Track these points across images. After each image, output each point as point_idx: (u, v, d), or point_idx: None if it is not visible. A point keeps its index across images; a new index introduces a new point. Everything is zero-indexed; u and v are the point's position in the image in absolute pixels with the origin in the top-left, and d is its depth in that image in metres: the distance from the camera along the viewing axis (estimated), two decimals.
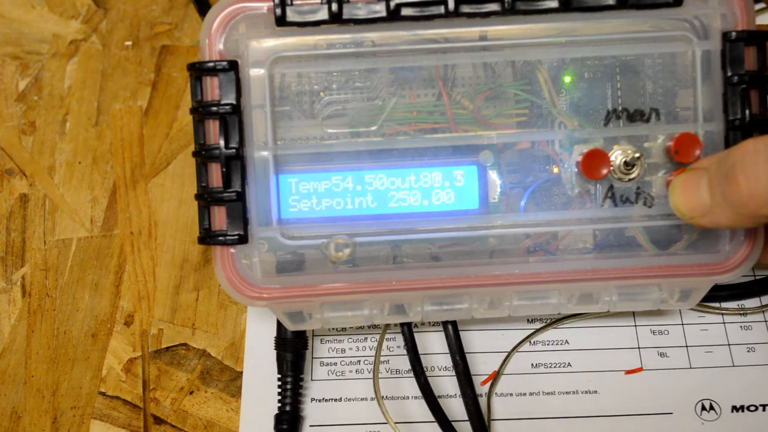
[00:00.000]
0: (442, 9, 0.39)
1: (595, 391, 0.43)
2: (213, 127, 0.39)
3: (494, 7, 0.39)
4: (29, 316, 0.47)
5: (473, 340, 0.45)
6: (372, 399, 0.43)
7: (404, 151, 0.40)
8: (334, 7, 0.39)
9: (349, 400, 0.44)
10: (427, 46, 0.40)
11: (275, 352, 0.43)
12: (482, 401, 0.43)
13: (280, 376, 0.43)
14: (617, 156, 0.39)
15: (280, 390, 0.43)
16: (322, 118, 0.40)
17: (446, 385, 0.44)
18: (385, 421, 0.42)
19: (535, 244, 0.40)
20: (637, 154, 0.39)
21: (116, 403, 0.45)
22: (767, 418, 0.41)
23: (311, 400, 0.44)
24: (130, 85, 0.55)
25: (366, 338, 0.45)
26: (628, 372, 0.43)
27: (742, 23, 0.39)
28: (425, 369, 0.43)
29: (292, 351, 0.43)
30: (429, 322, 0.45)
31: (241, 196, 0.39)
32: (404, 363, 0.44)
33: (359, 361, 0.45)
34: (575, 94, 0.40)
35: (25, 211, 0.51)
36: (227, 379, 0.45)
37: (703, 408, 0.42)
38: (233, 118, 0.39)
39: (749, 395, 0.42)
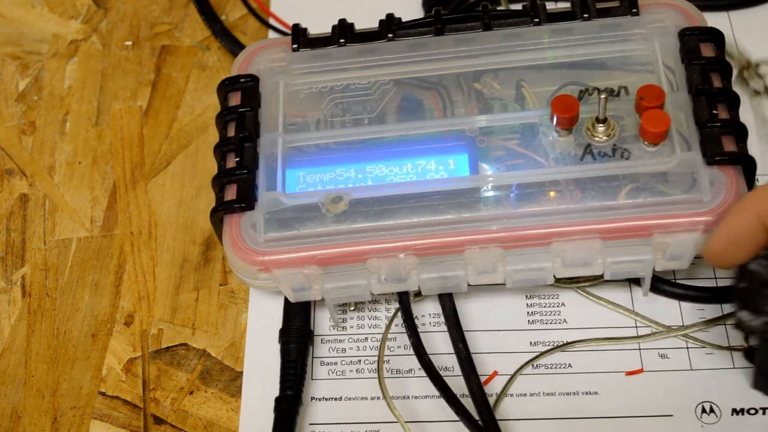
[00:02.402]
0: (432, 31, 0.47)
1: (596, 393, 0.43)
2: (232, 125, 0.45)
3: (476, 24, 0.47)
4: (29, 316, 0.47)
5: (478, 340, 0.45)
6: (372, 398, 0.43)
7: (401, 141, 0.44)
8: (339, 32, 0.47)
9: (350, 399, 0.44)
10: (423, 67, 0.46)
11: (279, 345, 0.44)
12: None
13: (282, 366, 0.43)
14: (590, 117, 0.42)
15: (282, 376, 0.43)
16: (328, 115, 0.46)
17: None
18: (386, 420, 0.42)
19: (520, 201, 0.41)
20: (603, 95, 0.41)
21: (116, 403, 0.45)
22: (767, 422, 0.41)
23: (311, 399, 0.44)
24: (130, 85, 0.55)
25: (366, 338, 0.45)
26: (629, 373, 0.43)
27: (695, 24, 0.45)
28: (447, 369, 0.43)
29: (297, 340, 0.43)
30: (431, 323, 0.45)
31: (251, 173, 0.43)
32: (405, 363, 0.44)
33: (360, 360, 0.45)
34: (557, 88, 0.45)
35: (25, 211, 0.51)
36: (227, 379, 0.45)
37: (704, 411, 0.42)
38: (251, 115, 0.45)
39: (750, 398, 0.42)
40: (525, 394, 0.43)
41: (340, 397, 0.44)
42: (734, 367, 0.43)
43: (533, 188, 0.42)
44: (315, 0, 0.57)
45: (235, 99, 0.46)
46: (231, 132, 0.45)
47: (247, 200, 0.43)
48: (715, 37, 0.44)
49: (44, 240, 0.50)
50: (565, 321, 0.45)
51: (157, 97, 0.54)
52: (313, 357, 0.45)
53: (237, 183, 0.43)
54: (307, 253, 0.41)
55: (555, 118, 0.42)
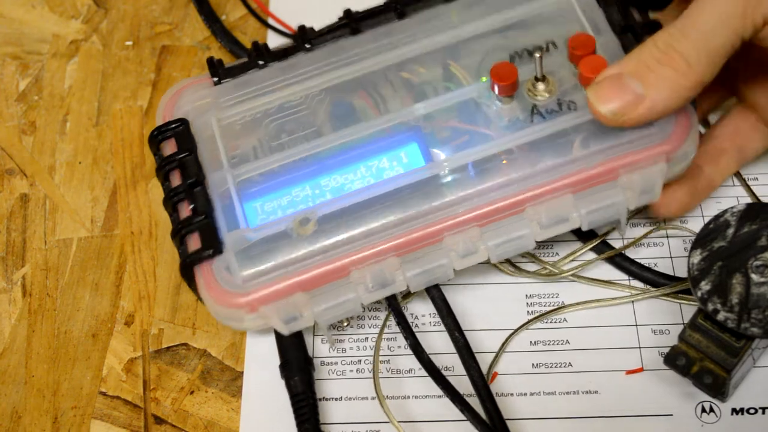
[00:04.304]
0: (348, 32, 0.47)
1: (596, 392, 0.43)
2: (176, 174, 0.44)
3: (390, 15, 0.47)
4: (30, 316, 0.47)
5: (478, 340, 0.45)
6: (372, 398, 0.43)
7: (350, 149, 0.44)
8: (257, 55, 0.46)
9: (350, 399, 0.44)
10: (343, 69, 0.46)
11: (284, 380, 0.43)
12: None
13: (293, 400, 0.42)
14: (528, 79, 0.43)
15: (295, 411, 0.42)
16: (268, 140, 0.45)
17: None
18: (386, 421, 0.42)
19: (483, 176, 0.41)
20: (537, 54, 0.42)
21: (117, 403, 0.45)
22: (767, 422, 0.41)
23: None
24: (131, 85, 0.55)
25: (366, 338, 0.45)
26: (629, 372, 0.43)
27: None
28: (447, 369, 0.43)
29: (299, 372, 0.42)
30: (430, 322, 0.45)
31: (210, 216, 0.42)
32: (405, 363, 0.44)
33: (360, 360, 0.45)
34: (482, 63, 0.45)
35: (25, 211, 0.51)
36: (228, 378, 0.45)
37: (704, 410, 0.42)
38: (191, 159, 0.44)
39: (749, 398, 0.42)
40: (525, 394, 0.43)
41: (341, 397, 0.44)
42: None
43: (492, 161, 0.42)
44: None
45: (170, 147, 0.45)
46: (176, 181, 0.43)
47: (213, 245, 0.41)
48: None
49: (45, 240, 0.50)
50: (565, 321, 0.45)
51: (157, 97, 0.54)
52: (313, 357, 0.45)
53: (199, 230, 0.42)
54: (289, 281, 0.40)
55: (497, 87, 0.42)
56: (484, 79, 0.44)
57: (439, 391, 0.42)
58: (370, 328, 0.46)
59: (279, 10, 0.57)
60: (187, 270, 0.42)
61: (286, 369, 0.43)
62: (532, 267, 0.46)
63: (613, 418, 0.42)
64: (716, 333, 0.39)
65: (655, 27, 0.43)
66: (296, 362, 0.42)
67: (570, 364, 0.44)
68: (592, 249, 0.46)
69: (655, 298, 0.45)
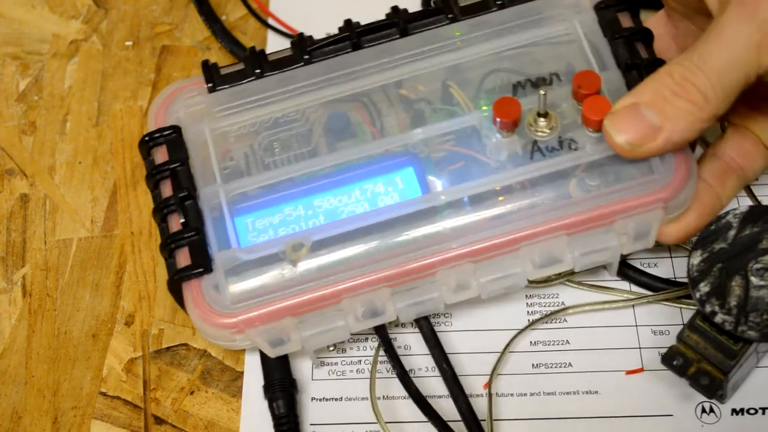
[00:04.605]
0: (349, 46, 0.45)
1: (596, 392, 0.43)
2: (166, 184, 0.43)
3: (392, 31, 0.45)
4: (30, 316, 0.47)
5: (467, 341, 0.44)
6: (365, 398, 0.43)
7: (346, 169, 0.43)
8: (254, 64, 0.45)
9: (350, 399, 0.44)
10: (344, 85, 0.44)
11: (267, 401, 0.43)
12: (483, 402, 0.43)
13: (275, 422, 0.42)
14: (530, 112, 0.42)
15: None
16: (262, 154, 0.44)
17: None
18: (386, 421, 0.42)
19: (480, 212, 0.41)
20: (542, 92, 0.41)
21: (117, 403, 0.45)
22: (767, 422, 0.41)
23: (311, 400, 0.44)
24: (131, 85, 0.55)
25: (367, 338, 0.45)
26: (629, 372, 0.43)
27: None
28: (420, 370, 0.44)
29: (283, 394, 0.42)
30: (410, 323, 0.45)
31: (201, 232, 0.41)
32: (404, 363, 0.44)
33: (360, 360, 0.45)
34: (483, 87, 0.44)
35: (25, 212, 0.51)
36: (228, 379, 0.45)
37: (704, 410, 0.42)
38: (183, 170, 0.43)
39: (749, 398, 0.42)
40: (525, 394, 0.43)
41: (341, 398, 0.44)
42: None
43: (489, 197, 0.41)
44: (314, 0, 0.57)
45: (161, 155, 0.43)
46: (166, 191, 0.43)
47: (203, 263, 0.41)
48: (630, 4, 0.44)
49: (45, 240, 0.50)
50: (565, 320, 0.45)
51: None
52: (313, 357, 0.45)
53: (189, 246, 0.41)
54: (279, 305, 0.40)
55: (498, 122, 0.42)
56: (485, 108, 0.43)
57: (439, 392, 0.42)
58: (369, 328, 0.46)
59: (279, 10, 0.56)
60: (175, 285, 0.41)
61: (269, 390, 0.42)
62: None
63: (613, 419, 0.42)
64: (714, 335, 0.39)
65: (658, 64, 0.41)
66: (280, 384, 0.42)
67: (570, 365, 0.44)
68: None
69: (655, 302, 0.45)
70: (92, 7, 0.58)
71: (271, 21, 0.56)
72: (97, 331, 0.47)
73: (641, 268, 0.46)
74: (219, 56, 0.56)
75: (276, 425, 0.42)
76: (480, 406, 0.42)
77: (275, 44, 0.54)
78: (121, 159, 0.52)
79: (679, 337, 0.40)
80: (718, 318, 0.38)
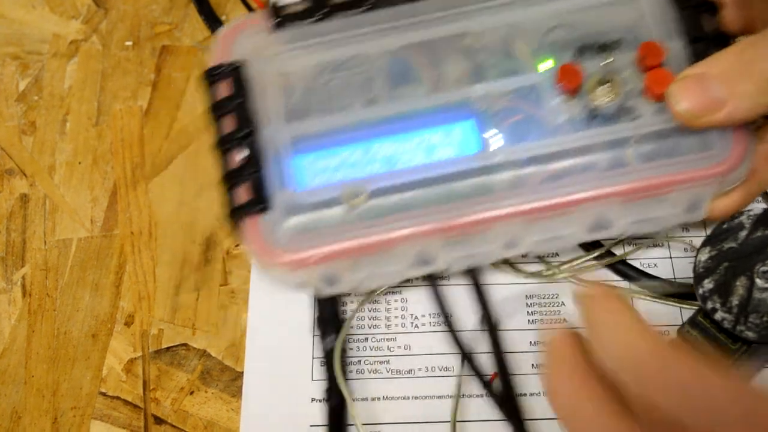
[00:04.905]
0: None
1: None
2: (229, 120, 0.43)
3: None
4: (29, 316, 0.47)
5: (464, 339, 0.45)
6: (372, 399, 0.43)
7: (405, 117, 0.43)
8: (320, 5, 0.44)
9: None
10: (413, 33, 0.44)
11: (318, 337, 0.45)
12: (481, 402, 0.43)
13: (325, 357, 0.44)
14: (592, 78, 0.42)
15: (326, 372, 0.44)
16: (324, 97, 0.44)
17: (447, 385, 0.44)
18: (388, 422, 0.42)
19: (537, 172, 0.41)
20: (607, 60, 0.41)
21: (116, 404, 0.45)
22: None
23: (311, 400, 0.44)
24: (131, 85, 0.55)
25: (366, 338, 0.45)
26: None
27: None
28: (420, 370, 0.43)
29: (334, 329, 0.44)
30: (429, 323, 0.45)
31: (261, 170, 0.42)
32: (404, 363, 0.44)
33: (360, 360, 0.45)
34: (546, 45, 0.43)
35: (25, 212, 0.51)
36: (227, 379, 0.45)
37: None
38: (246, 107, 0.43)
39: None
40: (525, 394, 0.43)
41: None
42: None
43: (546, 160, 0.41)
44: None
45: (224, 90, 0.44)
46: (228, 127, 0.43)
47: (262, 201, 0.41)
48: None
49: (44, 240, 0.50)
50: (565, 320, 0.45)
51: (157, 98, 0.54)
52: (313, 357, 0.45)
53: (249, 184, 0.42)
54: (334, 247, 0.40)
55: (561, 86, 0.42)
56: (547, 67, 0.43)
57: (439, 392, 0.42)
58: (370, 328, 0.46)
59: None
60: (233, 221, 0.42)
61: (321, 325, 0.44)
62: (530, 268, 0.46)
63: None
64: (714, 333, 0.39)
65: (724, 40, 0.42)
66: (331, 320, 0.44)
67: None
68: (594, 257, 0.46)
69: (655, 301, 0.45)
70: (92, 7, 0.58)
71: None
72: (97, 331, 0.47)
73: (641, 268, 0.46)
74: None
75: (325, 359, 0.44)
76: (481, 406, 0.42)
77: None
78: (121, 159, 0.52)
79: (679, 332, 0.40)
80: (718, 315, 0.39)
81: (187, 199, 0.51)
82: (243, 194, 0.42)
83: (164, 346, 0.46)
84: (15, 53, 0.57)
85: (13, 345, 0.47)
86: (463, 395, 0.43)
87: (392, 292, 0.46)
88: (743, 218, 0.41)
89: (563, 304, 0.45)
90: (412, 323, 0.45)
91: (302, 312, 0.46)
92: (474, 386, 0.43)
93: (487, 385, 0.43)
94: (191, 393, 0.45)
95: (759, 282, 0.39)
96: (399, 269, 0.42)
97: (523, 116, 0.43)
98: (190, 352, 0.46)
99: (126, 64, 0.56)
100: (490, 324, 0.44)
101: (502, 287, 0.46)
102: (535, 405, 0.43)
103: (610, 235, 0.42)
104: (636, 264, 0.46)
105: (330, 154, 0.43)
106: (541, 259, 0.47)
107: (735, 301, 0.39)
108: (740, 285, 0.39)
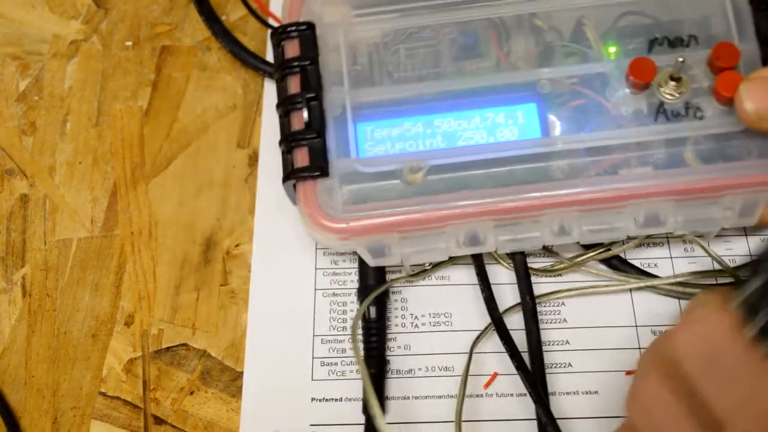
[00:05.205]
0: None
1: (596, 392, 0.43)
2: (294, 80, 0.43)
3: None
4: (29, 316, 0.47)
5: (464, 339, 0.45)
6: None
7: (469, 94, 0.43)
8: None
9: (350, 400, 0.44)
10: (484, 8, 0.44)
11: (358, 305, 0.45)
12: (481, 401, 0.43)
13: (365, 326, 0.44)
14: (663, 72, 0.41)
15: (365, 341, 0.44)
16: (391, 66, 0.44)
17: (447, 385, 0.44)
18: (387, 421, 0.42)
19: (596, 163, 0.41)
20: (681, 59, 0.40)
21: (116, 404, 0.45)
22: None
23: (312, 400, 0.44)
24: (131, 85, 0.55)
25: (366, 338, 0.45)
26: (629, 373, 0.43)
27: None
28: (420, 370, 0.43)
29: (377, 299, 0.44)
30: (429, 323, 0.45)
31: (322, 135, 0.42)
32: (405, 363, 0.44)
33: None
34: (617, 32, 0.43)
35: (25, 212, 0.51)
36: (227, 379, 0.45)
37: None
38: (313, 69, 0.43)
39: None
40: (525, 395, 0.43)
41: (341, 398, 0.44)
42: None
43: (607, 151, 0.41)
44: None
45: (291, 49, 0.44)
46: (293, 88, 0.43)
47: (321, 167, 0.41)
48: None
49: (44, 240, 0.50)
50: (565, 320, 0.45)
51: (157, 98, 0.54)
52: (313, 357, 0.45)
53: (309, 148, 0.42)
54: (387, 219, 0.41)
55: (631, 80, 0.42)
56: (617, 55, 0.43)
57: (439, 392, 0.42)
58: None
59: (279, 10, 0.56)
60: (290, 183, 0.42)
61: (364, 294, 0.44)
62: (535, 264, 0.46)
63: (614, 419, 0.42)
64: None
65: None
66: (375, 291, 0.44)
67: (570, 365, 0.44)
68: (594, 257, 0.46)
69: (653, 292, 0.45)
70: (92, 7, 0.58)
71: (271, 21, 0.56)
72: (97, 331, 0.47)
73: (641, 267, 0.46)
74: (219, 56, 0.56)
75: (365, 329, 0.44)
76: (480, 406, 0.42)
77: None
78: (121, 159, 0.52)
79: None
80: None
81: (187, 199, 0.51)
82: (302, 157, 0.42)
83: (164, 346, 0.46)
84: (15, 53, 0.57)
85: (13, 345, 0.47)
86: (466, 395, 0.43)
87: (392, 292, 0.46)
88: None
89: (563, 304, 0.45)
90: (412, 323, 0.45)
91: (302, 312, 0.46)
92: (474, 387, 0.43)
93: (516, 357, 0.42)
94: (191, 393, 0.45)
95: None
96: (447, 247, 0.42)
97: (587, 103, 0.42)
98: (190, 352, 0.46)
99: (126, 64, 0.56)
100: (531, 299, 0.44)
101: (502, 287, 0.46)
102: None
103: (662, 231, 0.42)
104: (636, 264, 0.46)
105: (391, 124, 0.43)
106: (546, 250, 0.46)
107: None
108: None
